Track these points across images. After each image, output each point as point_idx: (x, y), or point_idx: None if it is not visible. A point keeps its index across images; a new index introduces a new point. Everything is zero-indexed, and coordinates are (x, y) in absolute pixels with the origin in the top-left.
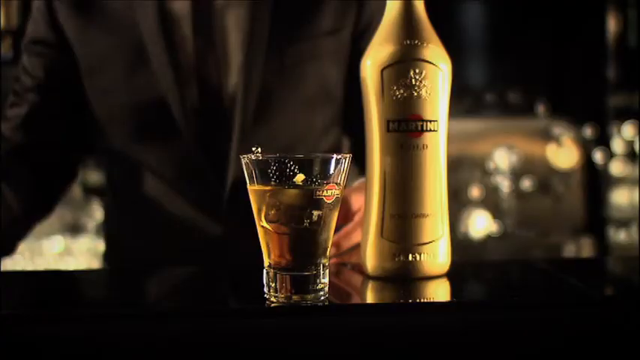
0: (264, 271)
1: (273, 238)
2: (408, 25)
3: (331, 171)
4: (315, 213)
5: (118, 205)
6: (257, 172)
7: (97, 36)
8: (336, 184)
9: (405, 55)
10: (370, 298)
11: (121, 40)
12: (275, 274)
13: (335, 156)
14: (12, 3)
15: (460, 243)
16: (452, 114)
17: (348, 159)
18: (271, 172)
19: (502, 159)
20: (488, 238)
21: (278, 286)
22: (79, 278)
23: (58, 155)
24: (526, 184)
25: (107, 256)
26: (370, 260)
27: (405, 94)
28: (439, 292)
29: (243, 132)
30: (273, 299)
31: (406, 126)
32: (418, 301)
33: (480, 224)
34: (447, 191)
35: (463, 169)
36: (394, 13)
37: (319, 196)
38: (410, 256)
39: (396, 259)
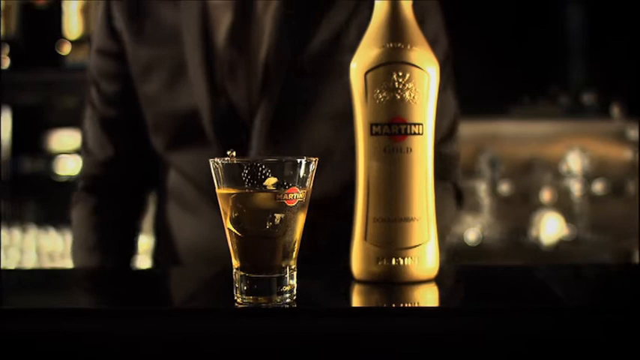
0: (233, 272)
1: (238, 240)
2: (392, 28)
3: (298, 174)
4: (278, 216)
5: (163, 206)
6: (222, 176)
7: (146, 46)
8: (299, 187)
9: (388, 58)
10: (345, 301)
11: (166, 51)
12: (241, 276)
13: (299, 160)
14: (91, 3)
15: (531, 247)
16: (525, 116)
17: (314, 162)
18: (242, 176)
19: (575, 162)
20: (560, 242)
21: (244, 288)
22: (62, 276)
23: (138, 165)
24: (599, 187)
25: (154, 255)
26: (356, 264)
27: (388, 98)
28: (415, 296)
29: (261, 145)
30: (239, 301)
31: (389, 129)
32: (376, 305)
33: (552, 228)
34: (517, 194)
35: (535, 171)
36: (380, 15)
37: (280, 199)
38: (393, 260)
39: (380, 263)
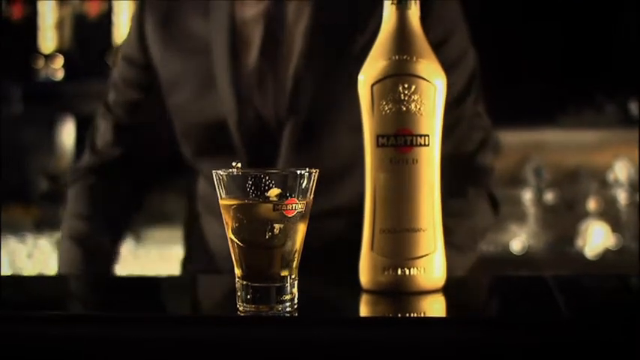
0: (236, 281)
1: (239, 250)
2: (398, 40)
3: (300, 186)
4: (277, 226)
5: (194, 213)
6: (224, 187)
7: (176, 57)
8: (299, 198)
9: (393, 70)
10: (347, 311)
11: (195, 63)
12: (243, 285)
13: (300, 171)
14: None
15: (576, 256)
16: (571, 124)
17: (314, 174)
18: (244, 187)
19: (622, 170)
20: (606, 252)
21: (246, 297)
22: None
23: (142, 168)
24: None
25: (184, 262)
26: (363, 274)
27: (394, 109)
28: (421, 307)
29: (289, 155)
30: (241, 309)
31: (395, 141)
32: (376, 315)
33: (598, 237)
34: (563, 203)
35: (581, 180)
36: (387, 28)
37: (279, 210)
38: (399, 270)
39: (386, 273)
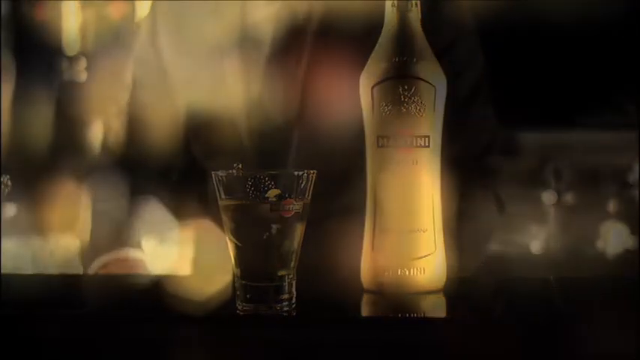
0: (235, 280)
1: (238, 250)
2: (399, 41)
3: (299, 186)
4: (274, 227)
5: (203, 214)
6: (223, 188)
7: (187, 57)
8: (297, 199)
9: (394, 72)
10: (343, 311)
11: (207, 63)
12: (241, 285)
13: (298, 172)
14: None
15: (595, 257)
16: (591, 125)
17: (312, 175)
18: (242, 188)
19: None
20: (626, 253)
21: (244, 297)
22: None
23: (153, 169)
24: None
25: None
26: (364, 274)
27: (394, 111)
28: (421, 307)
29: (299, 156)
30: (240, 308)
31: (395, 142)
32: (371, 315)
33: (617, 239)
34: (583, 205)
35: (601, 182)
36: (388, 30)
37: (276, 210)
38: (399, 270)
39: (386, 274)
